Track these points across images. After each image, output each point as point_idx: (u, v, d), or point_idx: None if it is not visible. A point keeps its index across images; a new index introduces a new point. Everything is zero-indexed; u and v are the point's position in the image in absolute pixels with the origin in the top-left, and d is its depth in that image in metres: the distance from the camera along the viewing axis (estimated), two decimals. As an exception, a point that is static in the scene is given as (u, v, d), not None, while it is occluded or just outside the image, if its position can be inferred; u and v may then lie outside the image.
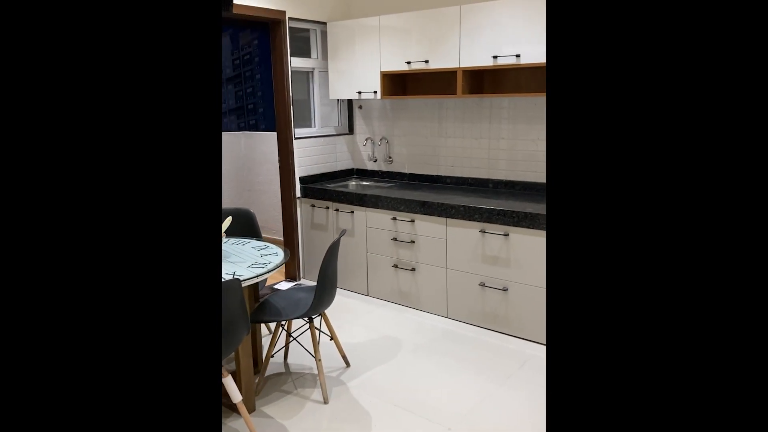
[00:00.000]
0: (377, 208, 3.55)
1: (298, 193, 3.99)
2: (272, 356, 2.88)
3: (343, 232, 2.55)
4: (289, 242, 4.09)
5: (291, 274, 4.16)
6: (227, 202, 5.47)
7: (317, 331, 3.04)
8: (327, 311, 3.51)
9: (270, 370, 2.77)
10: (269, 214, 5.40)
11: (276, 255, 2.47)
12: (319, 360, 2.46)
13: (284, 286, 4.03)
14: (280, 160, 3.98)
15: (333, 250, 2.42)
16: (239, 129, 7.33)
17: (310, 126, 4.14)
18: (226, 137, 5.52)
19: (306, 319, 2.47)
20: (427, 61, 3.41)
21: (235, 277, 2.15)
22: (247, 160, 5.50)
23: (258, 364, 2.71)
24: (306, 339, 3.12)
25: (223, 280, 2.11)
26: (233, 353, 2.44)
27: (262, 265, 2.31)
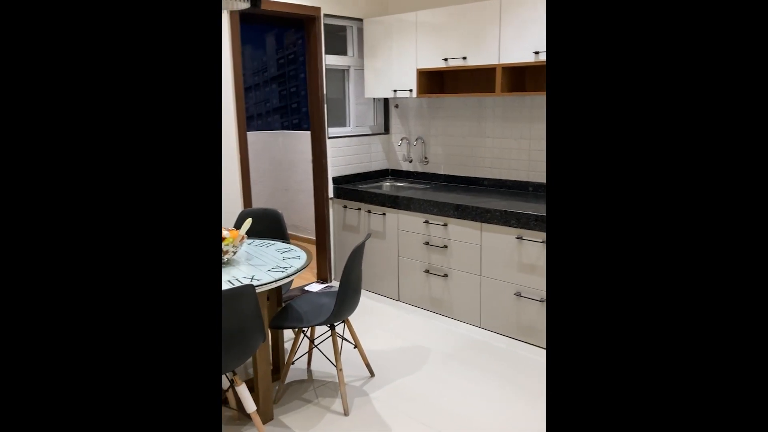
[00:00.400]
0: (409, 210, 3.42)
1: (330, 194, 3.91)
2: (293, 363, 2.80)
3: (367, 236, 2.44)
4: (321, 243, 4.02)
5: (322, 275, 4.09)
6: (263, 201, 5.47)
7: (340, 339, 2.94)
8: (354, 315, 3.40)
9: (292, 376, 2.69)
10: (305, 213, 5.36)
11: (298, 259, 2.38)
12: (340, 369, 2.35)
13: (315, 287, 3.96)
14: (314, 160, 3.91)
15: (356, 255, 2.31)
16: (283, 128, 7.35)
17: (344, 125, 4.05)
18: (264, 136, 5.51)
19: (328, 325, 2.37)
20: (465, 58, 3.25)
21: (254, 281, 2.07)
22: (284, 160, 5.48)
23: (280, 370, 2.64)
24: (329, 346, 3.02)
25: (239, 285, 2.03)
26: (252, 360, 2.37)
27: (283, 269, 2.22)
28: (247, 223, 2.35)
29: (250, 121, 7.68)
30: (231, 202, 3.36)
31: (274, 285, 2.09)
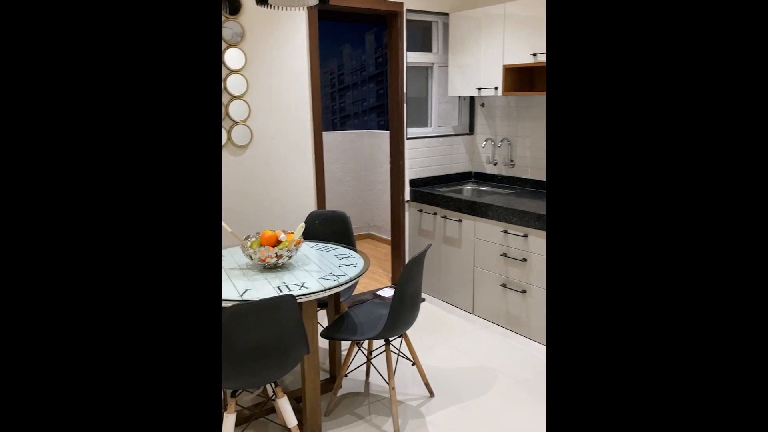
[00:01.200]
0: (487, 218, 3.17)
1: (406, 196, 3.76)
2: (346, 375, 2.68)
3: (428, 246, 2.25)
4: (396, 247, 3.88)
5: (397, 280, 3.95)
6: (348, 200, 5.45)
7: (395, 355, 2.78)
8: (422, 326, 3.22)
9: (348, 387, 2.57)
10: (387, 214, 5.26)
11: (354, 267, 2.25)
12: (393, 388, 2.19)
13: (388, 292, 3.83)
14: (391, 162, 3.78)
15: (414, 267, 2.13)
16: (379, 127, 7.35)
17: (426, 125, 3.87)
18: (352, 135, 5.48)
19: (384, 340, 2.22)
20: (555, 52, 2.94)
21: (303, 288, 1.98)
22: (371, 159, 5.42)
23: (337, 379, 2.53)
24: (385, 360, 2.87)
25: (286, 293, 1.95)
26: (300, 370, 2.28)
27: (335, 278, 2.11)
28: (301, 227, 2.26)
29: (346, 119, 7.76)
30: (304, 203, 3.33)
31: (323, 294, 1.97)
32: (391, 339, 2.22)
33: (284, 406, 1.91)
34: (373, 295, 3.78)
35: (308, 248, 2.59)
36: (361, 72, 8.03)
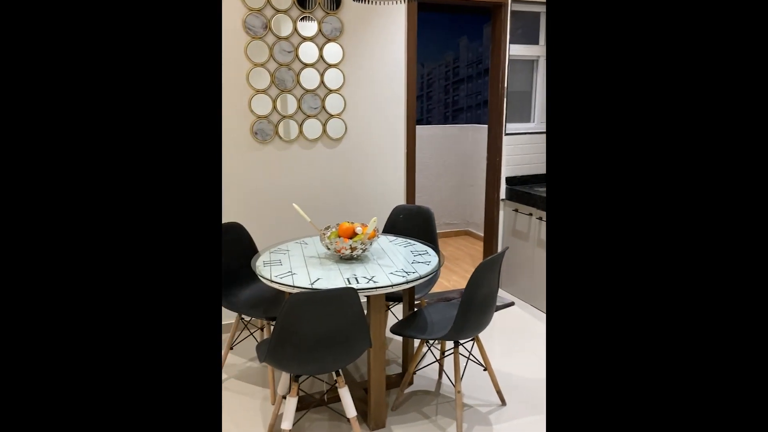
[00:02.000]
0: (584, 222, 2.95)
1: (502, 195, 3.62)
2: (415, 372, 2.65)
3: (505, 249, 2.15)
4: (489, 247, 3.76)
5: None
6: (445, 195, 5.37)
7: (464, 359, 2.67)
8: (506, 331, 3.09)
9: (420, 385, 2.55)
10: (488, 212, 5.11)
11: (427, 265, 2.22)
12: (459, 392, 2.13)
13: (477, 293, 3.73)
14: (488, 158, 3.66)
15: (487, 269, 2.05)
16: (489, 121, 7.19)
17: (528, 121, 3.69)
18: (452, 130, 5.40)
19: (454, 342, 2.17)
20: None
21: (371, 282, 1.99)
22: (472, 154, 5.30)
23: (405, 375, 2.53)
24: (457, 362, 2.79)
25: (346, 286, 1.97)
26: (367, 364, 2.30)
27: (405, 274, 2.09)
28: (374, 221, 2.27)
29: (459, 113, 7.66)
30: (393, 197, 3.35)
31: (389, 290, 1.97)
32: (461, 341, 2.16)
33: (345, 396, 1.95)
34: (460, 294, 3.71)
35: (388, 242, 2.60)
36: (477, 65, 7.85)
